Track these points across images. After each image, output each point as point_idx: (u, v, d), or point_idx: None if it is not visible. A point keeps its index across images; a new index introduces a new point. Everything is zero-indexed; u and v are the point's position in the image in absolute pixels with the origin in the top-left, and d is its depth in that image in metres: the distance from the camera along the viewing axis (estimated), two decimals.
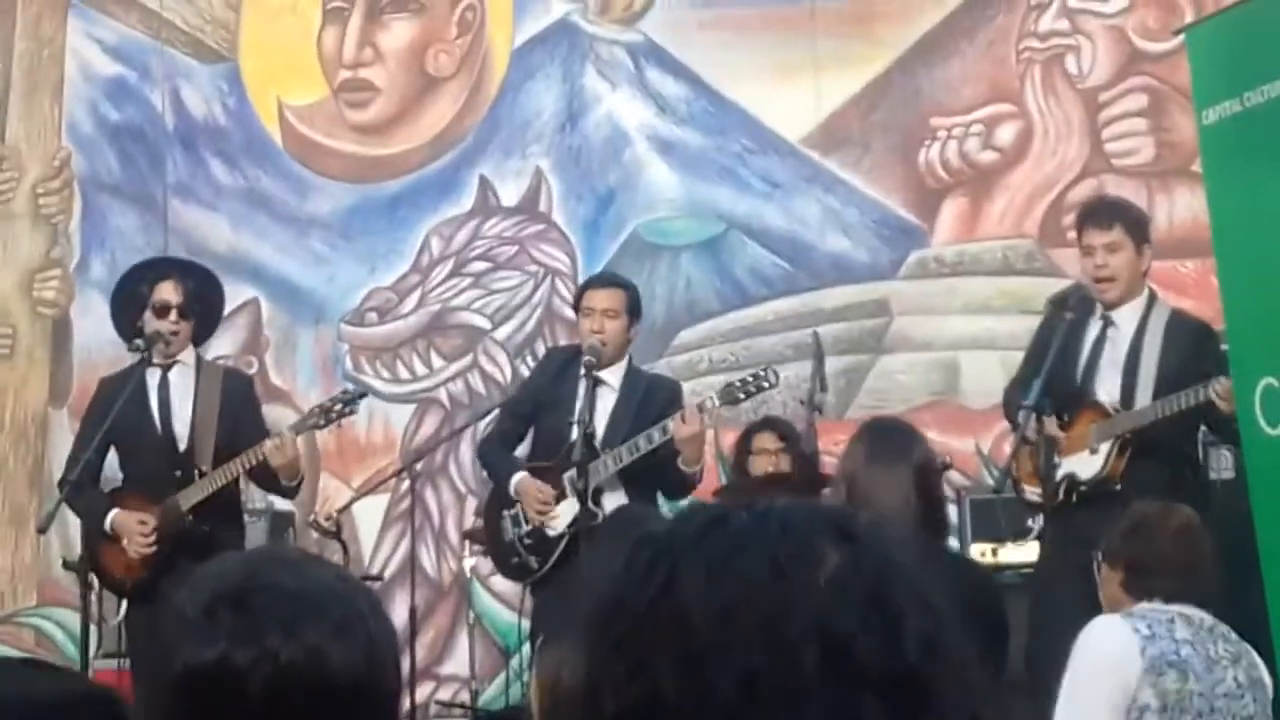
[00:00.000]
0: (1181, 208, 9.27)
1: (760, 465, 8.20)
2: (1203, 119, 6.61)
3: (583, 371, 7.40)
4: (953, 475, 8.66)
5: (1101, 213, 7.26)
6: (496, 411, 8.31)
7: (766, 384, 7.45)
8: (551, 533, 7.43)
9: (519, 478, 7.58)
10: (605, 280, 7.96)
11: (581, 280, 9.57)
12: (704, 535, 1.38)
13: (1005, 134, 9.78)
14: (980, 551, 8.19)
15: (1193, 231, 8.78)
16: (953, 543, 8.30)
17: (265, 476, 7.54)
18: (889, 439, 5.27)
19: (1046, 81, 9.75)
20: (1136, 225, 7.18)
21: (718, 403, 7.45)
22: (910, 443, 5.25)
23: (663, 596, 1.35)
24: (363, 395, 7.98)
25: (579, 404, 7.35)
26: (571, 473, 7.34)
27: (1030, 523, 7.31)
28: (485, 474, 8.19)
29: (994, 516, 8.11)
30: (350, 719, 2.04)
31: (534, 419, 7.74)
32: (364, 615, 2.09)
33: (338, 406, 7.61)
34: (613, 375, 7.60)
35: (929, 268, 9.80)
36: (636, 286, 7.96)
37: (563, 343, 9.39)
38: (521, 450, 7.86)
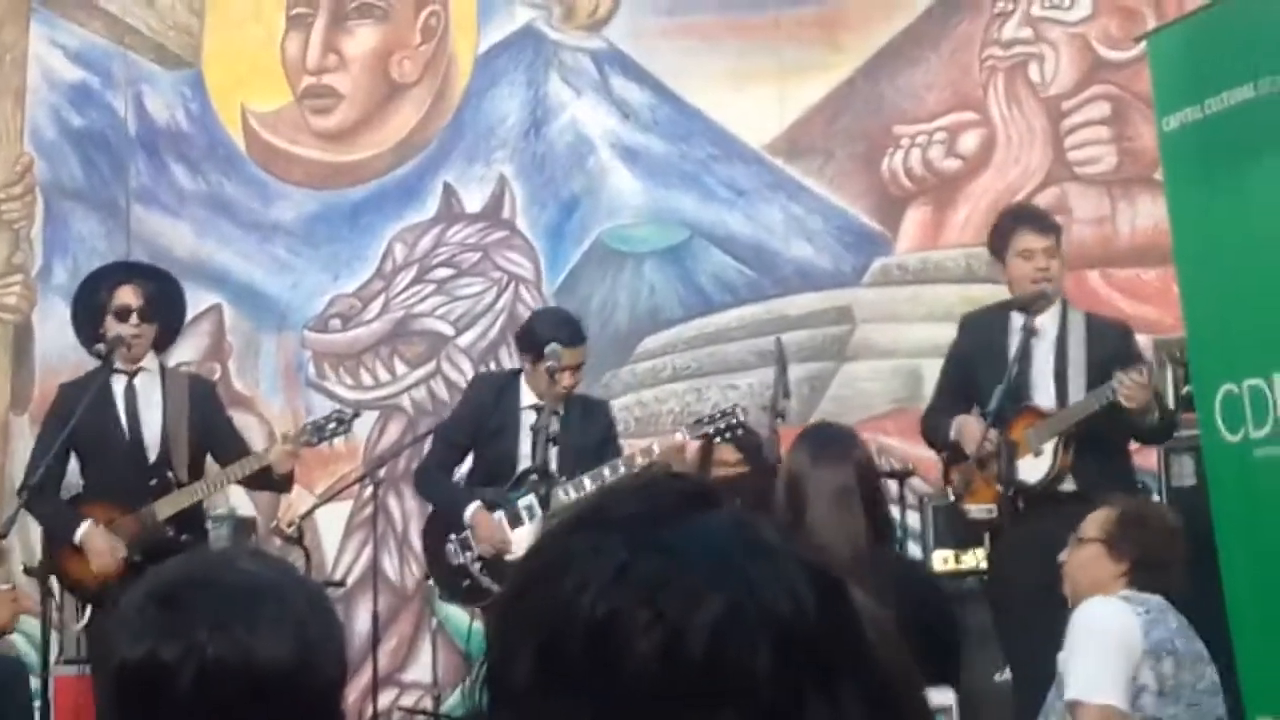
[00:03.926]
0: (1143, 216, 9.28)
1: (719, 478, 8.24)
2: (1164, 126, 6.63)
3: (538, 417, 7.41)
4: (915, 482, 8.67)
5: (1039, 219, 7.49)
6: (430, 441, 8.28)
7: (735, 421, 7.56)
8: (509, 557, 7.44)
9: (474, 509, 7.57)
10: (577, 336, 7.69)
11: (543, 287, 9.62)
12: (617, 546, 1.31)
13: (968, 142, 9.79)
14: (943, 558, 8.20)
15: (1154, 239, 8.81)
16: (914, 549, 8.35)
17: (259, 478, 7.54)
18: (831, 442, 5.32)
19: (1009, 89, 9.76)
20: (1061, 234, 7.43)
21: (687, 437, 7.55)
22: (851, 445, 5.30)
23: (573, 597, 1.29)
24: (356, 415, 7.97)
25: (523, 438, 7.50)
26: (529, 499, 7.45)
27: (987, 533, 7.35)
28: (428, 503, 8.11)
29: (956, 523, 8.11)
30: (282, 712, 2.04)
31: (472, 447, 7.75)
32: (298, 609, 2.09)
33: (332, 425, 7.61)
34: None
35: (892, 275, 9.80)
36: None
37: None
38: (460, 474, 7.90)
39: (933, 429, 7.48)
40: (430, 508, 7.98)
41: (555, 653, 1.28)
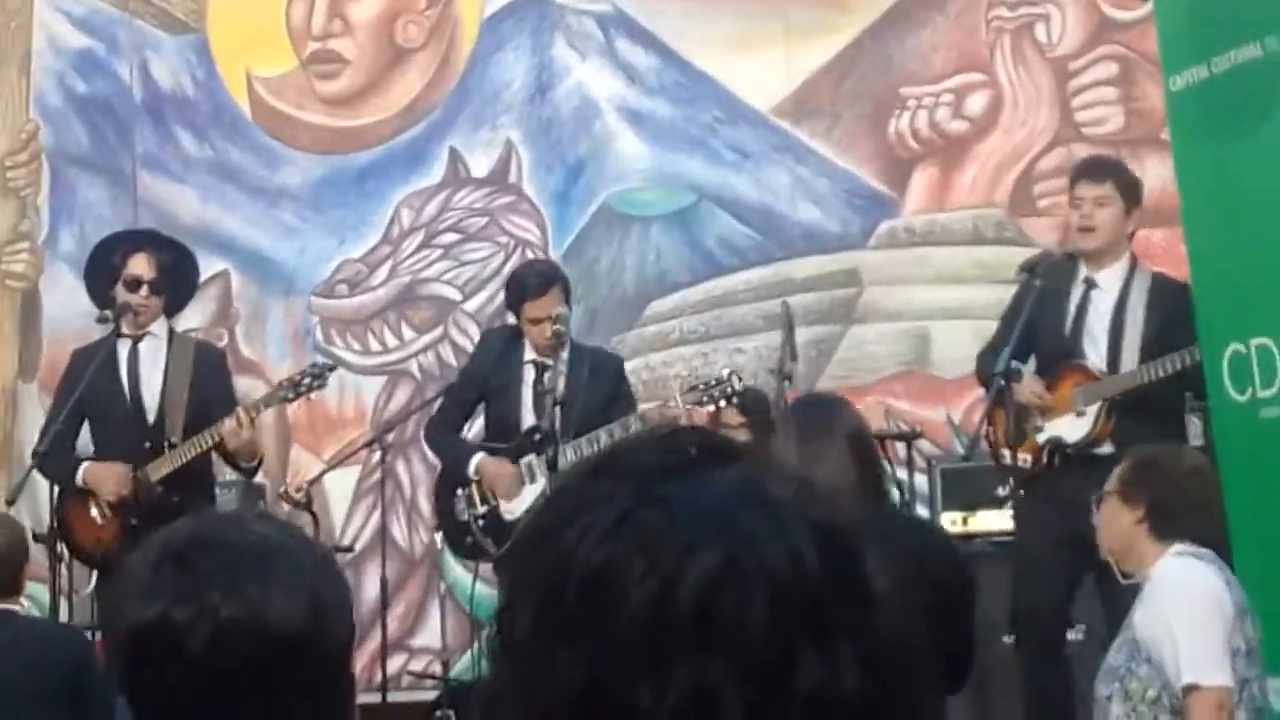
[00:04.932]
0: (1151, 176, 9.21)
1: None
2: (1170, 85, 6.61)
3: (537, 376, 7.50)
4: (923, 444, 8.68)
5: (1096, 168, 7.41)
6: (441, 397, 8.35)
7: (731, 389, 7.54)
8: (509, 516, 7.46)
9: (479, 459, 7.60)
10: (544, 284, 7.65)
11: (550, 251, 9.63)
12: (624, 496, 1.30)
13: (975, 103, 9.77)
14: (951, 520, 8.20)
15: (1162, 200, 8.75)
16: (922, 511, 8.35)
17: (225, 454, 7.56)
18: (816, 416, 5.20)
19: (1016, 50, 9.74)
20: (1129, 187, 7.29)
21: (682, 404, 7.53)
22: (837, 416, 5.24)
23: (574, 545, 1.29)
24: (332, 368, 7.98)
25: (525, 394, 7.55)
26: (531, 458, 7.48)
27: (1001, 490, 7.32)
28: (436, 458, 8.19)
29: (965, 485, 8.12)
30: (295, 673, 2.05)
31: (481, 403, 7.78)
32: (308, 570, 2.09)
33: (306, 380, 7.63)
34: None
35: (899, 237, 9.79)
36: (560, 267, 8.01)
37: None
38: (474, 430, 7.93)
39: (981, 367, 7.41)
40: (440, 464, 8.04)
41: (554, 602, 1.27)
